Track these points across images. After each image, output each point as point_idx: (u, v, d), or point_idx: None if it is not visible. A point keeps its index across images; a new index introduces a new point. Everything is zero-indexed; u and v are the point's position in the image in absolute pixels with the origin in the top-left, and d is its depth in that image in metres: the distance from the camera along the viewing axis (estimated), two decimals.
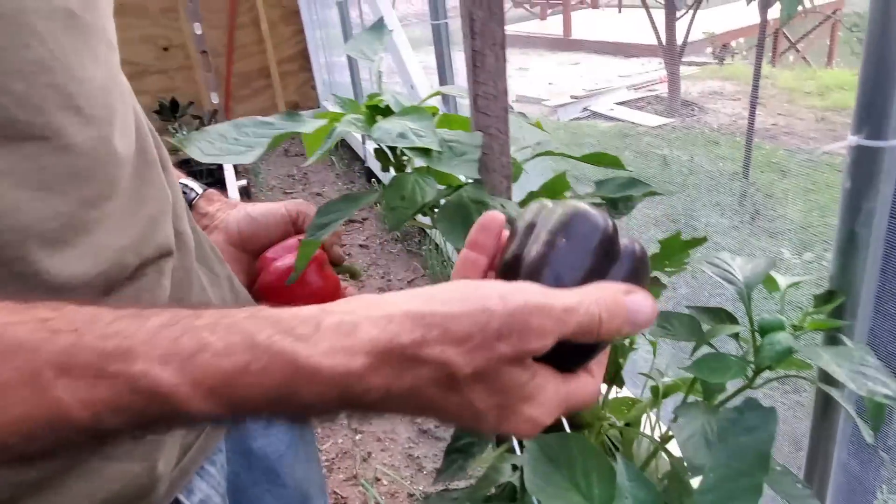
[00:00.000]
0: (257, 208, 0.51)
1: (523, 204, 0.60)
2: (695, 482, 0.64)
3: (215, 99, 3.87)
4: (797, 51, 4.68)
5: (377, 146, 0.66)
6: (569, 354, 0.34)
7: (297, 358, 0.27)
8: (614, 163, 0.69)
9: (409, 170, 0.67)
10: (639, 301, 0.34)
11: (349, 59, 3.42)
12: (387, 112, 0.65)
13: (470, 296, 0.31)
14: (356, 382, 0.28)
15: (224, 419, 0.28)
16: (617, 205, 0.70)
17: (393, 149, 0.66)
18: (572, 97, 4.34)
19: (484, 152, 0.61)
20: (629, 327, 0.33)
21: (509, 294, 0.31)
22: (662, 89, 4.66)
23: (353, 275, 0.59)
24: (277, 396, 0.27)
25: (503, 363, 0.30)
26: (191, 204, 0.50)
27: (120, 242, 0.36)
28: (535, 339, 0.30)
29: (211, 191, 0.53)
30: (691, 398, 0.78)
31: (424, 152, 0.57)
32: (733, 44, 4.41)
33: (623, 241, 0.36)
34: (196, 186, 0.52)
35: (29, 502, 0.35)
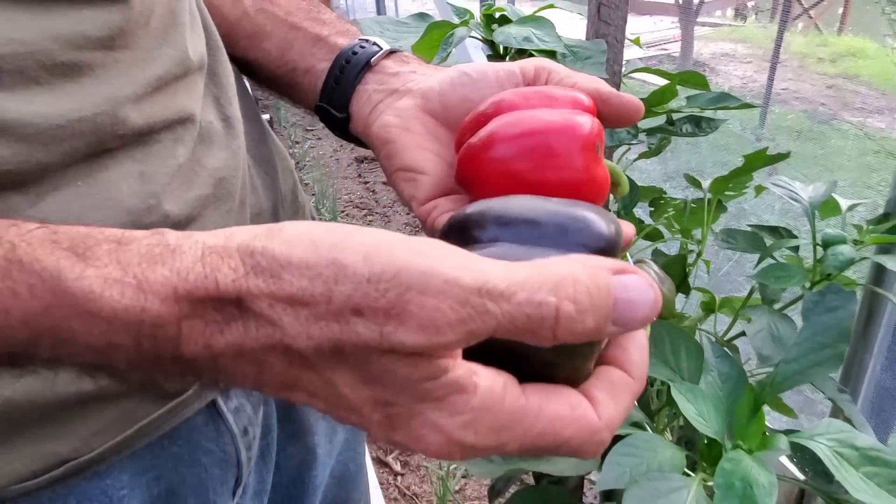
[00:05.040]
0: (476, 65, 0.37)
1: None
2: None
3: None
4: (810, 17, 4.69)
5: (490, 52, 0.71)
6: (527, 355, 0.22)
7: (62, 279, 0.21)
8: (701, 82, 0.75)
9: None
10: (634, 286, 0.22)
11: None
12: (502, 21, 0.70)
13: (324, 240, 0.21)
14: (158, 331, 0.21)
15: None
16: (700, 123, 0.76)
17: (505, 56, 0.71)
18: None
19: None
20: (612, 327, 0.22)
21: (384, 249, 0.21)
22: (674, 49, 4.66)
23: (615, 185, 0.34)
24: (40, 330, 0.21)
25: (369, 350, 0.21)
26: (369, 62, 0.40)
27: (114, 93, 0.31)
28: (419, 331, 0.20)
29: (405, 53, 0.42)
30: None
31: (549, 55, 0.63)
32: (749, 4, 4.42)
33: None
34: (381, 42, 0.41)
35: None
